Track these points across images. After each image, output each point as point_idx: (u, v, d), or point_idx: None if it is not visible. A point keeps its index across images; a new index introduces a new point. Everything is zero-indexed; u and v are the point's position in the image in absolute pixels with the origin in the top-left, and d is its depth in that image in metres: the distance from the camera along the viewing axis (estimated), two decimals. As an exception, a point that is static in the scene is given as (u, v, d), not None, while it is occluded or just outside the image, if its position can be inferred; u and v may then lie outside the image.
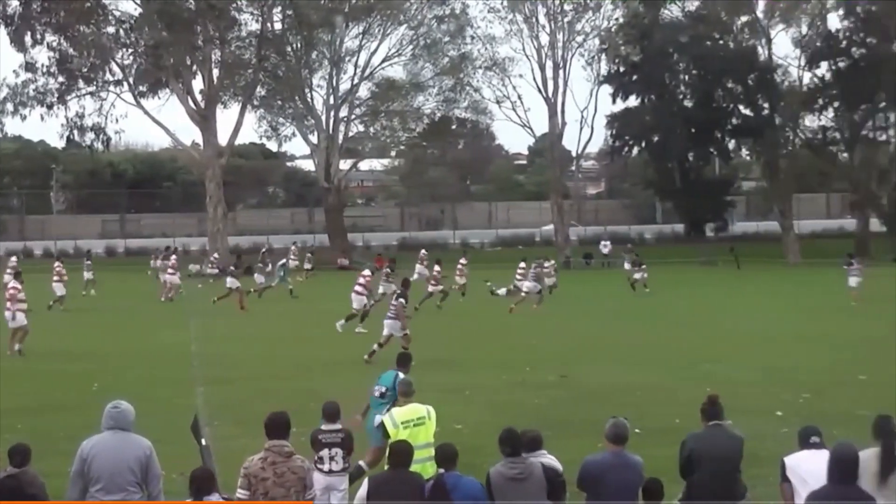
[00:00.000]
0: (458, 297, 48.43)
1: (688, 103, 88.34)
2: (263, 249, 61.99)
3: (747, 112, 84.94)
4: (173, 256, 55.02)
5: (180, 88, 73.56)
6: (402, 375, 16.16)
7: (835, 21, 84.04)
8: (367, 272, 38.55)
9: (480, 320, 41.30)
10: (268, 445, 10.77)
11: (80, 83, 74.70)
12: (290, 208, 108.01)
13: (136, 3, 72.83)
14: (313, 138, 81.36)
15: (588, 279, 53.25)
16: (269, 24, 76.61)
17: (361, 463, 14.81)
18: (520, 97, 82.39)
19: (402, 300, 30.01)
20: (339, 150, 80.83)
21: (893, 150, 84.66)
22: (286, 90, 79.55)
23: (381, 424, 13.47)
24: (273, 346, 33.27)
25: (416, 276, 51.90)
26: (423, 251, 59.72)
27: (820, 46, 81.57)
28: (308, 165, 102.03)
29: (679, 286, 55.79)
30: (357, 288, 37.08)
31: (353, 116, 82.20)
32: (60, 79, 74.03)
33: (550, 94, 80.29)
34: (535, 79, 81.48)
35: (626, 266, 55.64)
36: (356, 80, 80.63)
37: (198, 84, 75.27)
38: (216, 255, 65.48)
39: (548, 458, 11.65)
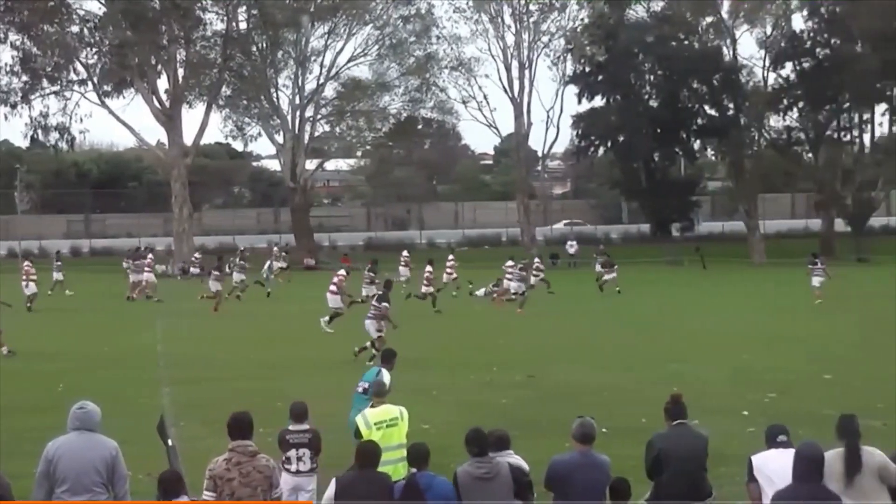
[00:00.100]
0: (448, 295, 48.41)
1: (653, 103, 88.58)
2: (241, 248, 61.63)
3: (712, 112, 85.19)
4: (150, 255, 54.90)
5: (145, 88, 73.30)
6: (385, 371, 16.22)
7: (799, 22, 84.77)
8: (342, 272, 38.45)
9: (448, 320, 41.26)
10: (231, 446, 10.73)
11: (45, 82, 74.34)
12: (256, 208, 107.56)
13: (100, 3, 72.63)
14: (279, 138, 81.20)
15: (555, 279, 53.13)
16: (234, 24, 76.44)
17: None
18: (486, 97, 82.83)
19: (385, 303, 29.96)
20: (304, 150, 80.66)
21: (857, 151, 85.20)
22: (252, 90, 79.29)
23: (354, 424, 13.42)
24: (241, 346, 33.17)
25: (400, 277, 52.24)
26: (405, 252, 59.75)
27: (784, 47, 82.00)
28: (274, 165, 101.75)
29: (645, 286, 55.89)
30: (332, 287, 37.01)
31: (318, 116, 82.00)
32: (24, 78, 73.63)
33: (516, 94, 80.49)
34: (500, 79, 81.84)
35: (598, 268, 55.50)
36: (322, 80, 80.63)
37: (163, 84, 75.14)
38: (198, 254, 65.11)
39: (514, 458, 11.65)
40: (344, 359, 28.63)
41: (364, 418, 13.17)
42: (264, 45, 77.41)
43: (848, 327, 36.78)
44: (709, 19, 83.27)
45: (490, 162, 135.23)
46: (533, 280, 49.38)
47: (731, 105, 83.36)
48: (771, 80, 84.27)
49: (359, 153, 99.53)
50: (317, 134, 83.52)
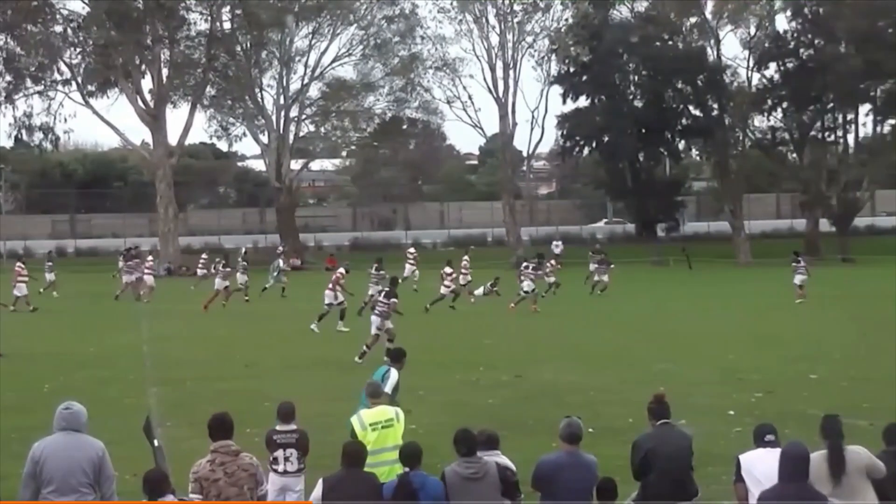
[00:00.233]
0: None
1: (638, 104, 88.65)
2: (244, 248, 61.41)
3: (697, 112, 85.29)
4: (149, 257, 54.76)
5: (129, 88, 73.20)
6: (394, 371, 16.20)
7: (783, 22, 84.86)
8: (342, 270, 38.43)
9: (435, 320, 41.18)
10: (214, 447, 10.72)
11: (28, 82, 74.32)
12: (241, 208, 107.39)
13: (84, 2, 72.58)
14: (264, 138, 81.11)
15: (541, 279, 53.16)
16: (218, 24, 76.36)
17: None
18: (470, 97, 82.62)
19: (394, 299, 30.10)
20: (289, 150, 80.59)
21: (842, 151, 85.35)
22: (236, 90, 79.22)
23: (350, 425, 13.36)
24: (227, 346, 33.10)
25: (406, 274, 52.57)
26: (411, 248, 59.61)
27: (768, 47, 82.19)
28: (259, 165, 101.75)
29: (631, 286, 55.86)
30: (329, 285, 37.12)
31: (303, 116, 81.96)
32: (8, 78, 73.63)
33: (501, 95, 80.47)
34: (485, 79, 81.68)
35: (592, 266, 55.33)
36: (306, 80, 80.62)
37: (147, 84, 75.10)
38: (205, 255, 64.75)
39: (502, 458, 11.66)
40: (331, 359, 28.61)
41: (359, 419, 13.09)
42: (248, 45, 77.47)
43: (834, 327, 36.85)
44: (693, 20, 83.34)
45: (475, 162, 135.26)
46: (554, 278, 50.45)
47: (715, 105, 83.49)
48: (755, 81, 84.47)
49: (344, 153, 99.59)
50: (302, 134, 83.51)
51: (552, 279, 50.84)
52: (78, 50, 74.34)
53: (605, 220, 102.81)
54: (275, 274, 53.42)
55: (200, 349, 32.35)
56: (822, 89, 78.85)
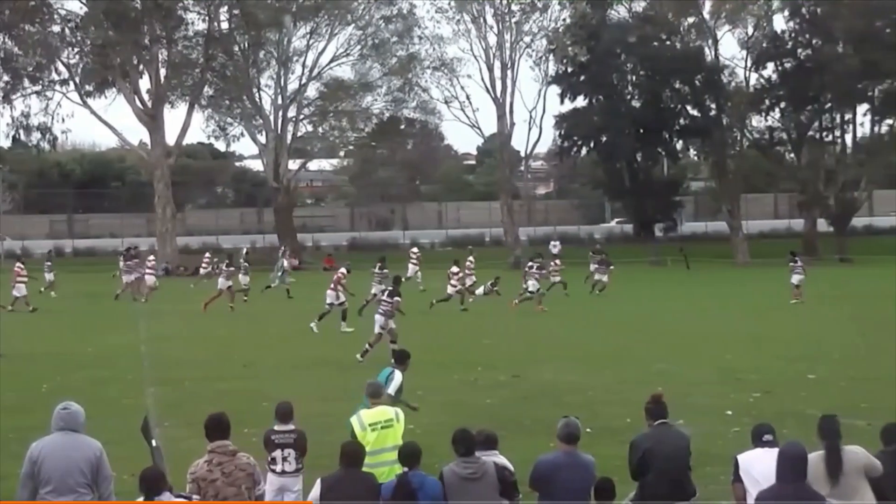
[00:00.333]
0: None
1: (636, 104, 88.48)
2: (245, 249, 61.33)
3: (695, 112, 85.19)
4: (151, 257, 54.69)
5: (127, 88, 73.12)
6: (398, 372, 16.21)
7: (780, 22, 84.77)
8: (343, 270, 38.47)
9: (435, 320, 41.15)
10: (211, 447, 10.74)
11: (26, 82, 74.23)
12: (239, 208, 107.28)
13: (81, 2, 72.51)
14: (262, 138, 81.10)
15: (545, 278, 53.17)
16: (215, 24, 76.22)
17: None
18: (468, 97, 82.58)
19: (396, 297, 30.16)
20: (287, 150, 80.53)
21: (840, 151, 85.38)
22: (234, 90, 79.17)
23: (349, 425, 13.35)
24: (225, 346, 33.11)
25: (409, 274, 52.68)
26: (414, 248, 59.65)
27: (766, 47, 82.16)
28: (257, 165, 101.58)
29: (629, 286, 55.83)
30: (331, 285, 37.19)
31: (301, 116, 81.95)
32: (5, 78, 73.56)
33: (499, 95, 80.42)
34: (483, 79, 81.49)
35: (592, 266, 55.31)
36: (304, 80, 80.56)
37: (145, 83, 74.90)
38: (208, 254, 64.64)
39: (500, 458, 11.66)
40: (330, 359, 28.62)
41: (359, 419, 13.05)
42: (246, 45, 77.41)
43: (832, 327, 36.84)
44: (691, 20, 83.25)
45: (473, 162, 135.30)
46: (559, 278, 50.62)
47: (713, 105, 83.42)
48: (753, 81, 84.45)
49: (342, 153, 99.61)
50: (299, 134, 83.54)
51: (557, 279, 50.89)
52: (76, 50, 74.28)
53: (616, 220, 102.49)
54: (279, 274, 53.37)
55: (199, 349, 32.35)
56: (819, 89, 78.82)
